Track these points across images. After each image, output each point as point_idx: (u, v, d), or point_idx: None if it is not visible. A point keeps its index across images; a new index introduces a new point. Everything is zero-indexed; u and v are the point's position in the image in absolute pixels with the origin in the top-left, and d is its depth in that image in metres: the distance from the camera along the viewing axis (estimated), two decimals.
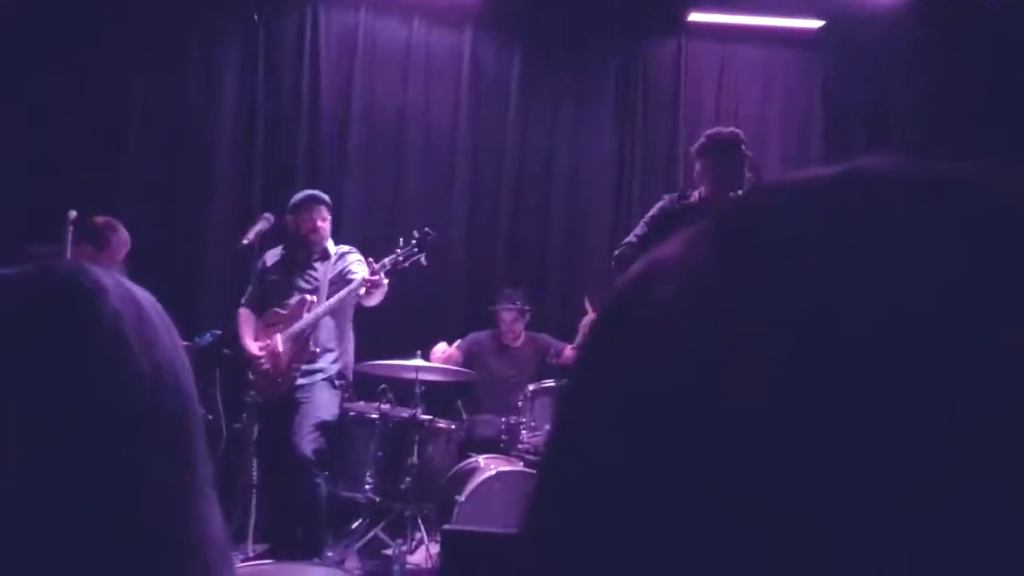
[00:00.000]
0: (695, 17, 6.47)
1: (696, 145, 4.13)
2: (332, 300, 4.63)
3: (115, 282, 0.78)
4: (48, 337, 0.74)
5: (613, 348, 0.37)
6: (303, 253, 4.84)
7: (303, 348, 4.67)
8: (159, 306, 0.82)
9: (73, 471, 0.71)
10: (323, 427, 4.62)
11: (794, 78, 6.79)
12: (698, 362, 0.32)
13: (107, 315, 0.75)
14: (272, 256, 4.90)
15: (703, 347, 0.33)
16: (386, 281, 4.56)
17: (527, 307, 5.53)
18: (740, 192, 3.95)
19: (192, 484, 0.78)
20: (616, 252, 4.25)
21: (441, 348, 5.31)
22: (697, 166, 4.09)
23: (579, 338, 5.16)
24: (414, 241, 4.57)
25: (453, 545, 2.95)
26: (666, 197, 4.29)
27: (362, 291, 4.54)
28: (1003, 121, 6.57)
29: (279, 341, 4.65)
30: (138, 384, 0.75)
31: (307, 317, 4.65)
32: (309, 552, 4.37)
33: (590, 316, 5.06)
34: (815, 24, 6.51)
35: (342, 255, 4.86)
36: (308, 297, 4.69)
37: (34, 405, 0.72)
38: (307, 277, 4.80)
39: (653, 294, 0.38)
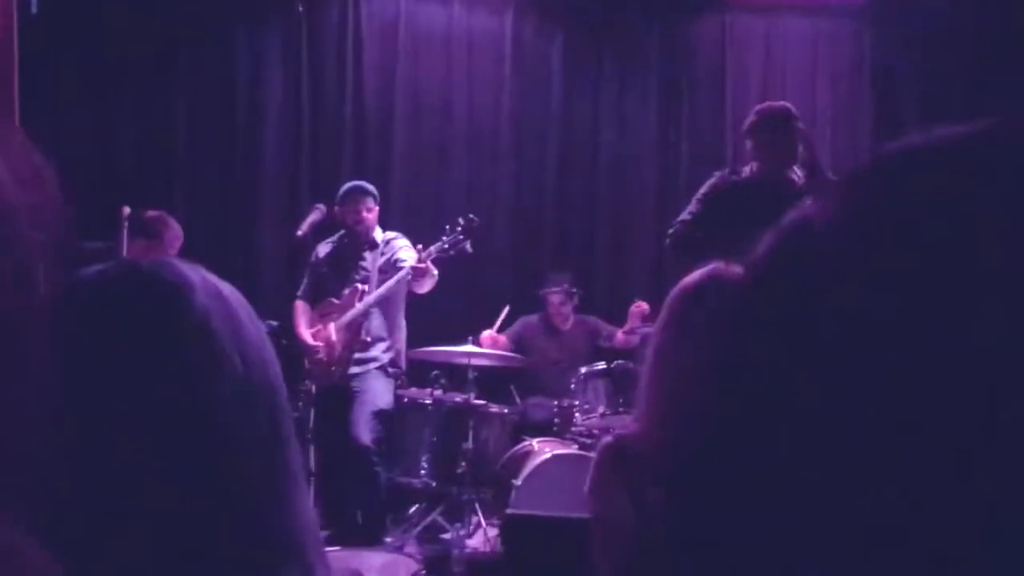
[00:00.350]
0: None
1: (747, 122, 4.09)
2: (382, 288, 4.66)
3: (200, 277, 0.78)
4: (139, 337, 0.74)
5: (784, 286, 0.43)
6: (352, 243, 4.88)
7: (356, 337, 4.72)
8: (243, 298, 0.82)
9: (176, 473, 0.72)
10: (380, 415, 4.67)
11: (841, 50, 6.67)
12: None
13: (196, 312, 0.75)
14: (324, 247, 4.96)
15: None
16: (434, 269, 4.58)
17: (575, 290, 5.52)
18: (794, 167, 3.90)
19: (287, 475, 0.78)
20: (671, 231, 4.22)
21: (486, 334, 5.33)
22: (749, 143, 4.05)
23: (630, 323, 5.14)
24: (459, 228, 4.58)
25: (515, 529, 2.96)
26: (717, 174, 4.25)
27: (409, 278, 4.57)
28: None
29: (332, 331, 4.70)
30: (230, 380, 0.75)
31: (359, 306, 4.70)
32: (371, 538, 4.43)
33: (641, 306, 5.03)
34: None
35: (388, 242, 4.90)
36: (360, 286, 4.74)
37: (131, 408, 0.72)
38: (358, 267, 4.85)
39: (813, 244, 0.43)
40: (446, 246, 4.57)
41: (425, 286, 4.69)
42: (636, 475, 1.82)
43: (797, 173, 3.89)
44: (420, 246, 4.62)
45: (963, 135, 0.43)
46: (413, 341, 5.00)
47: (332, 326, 4.72)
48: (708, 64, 6.58)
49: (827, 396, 0.38)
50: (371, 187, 4.91)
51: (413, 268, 4.53)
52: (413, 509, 5.00)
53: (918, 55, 6.57)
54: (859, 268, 0.39)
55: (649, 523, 1.77)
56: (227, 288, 0.81)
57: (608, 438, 1.92)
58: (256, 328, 0.80)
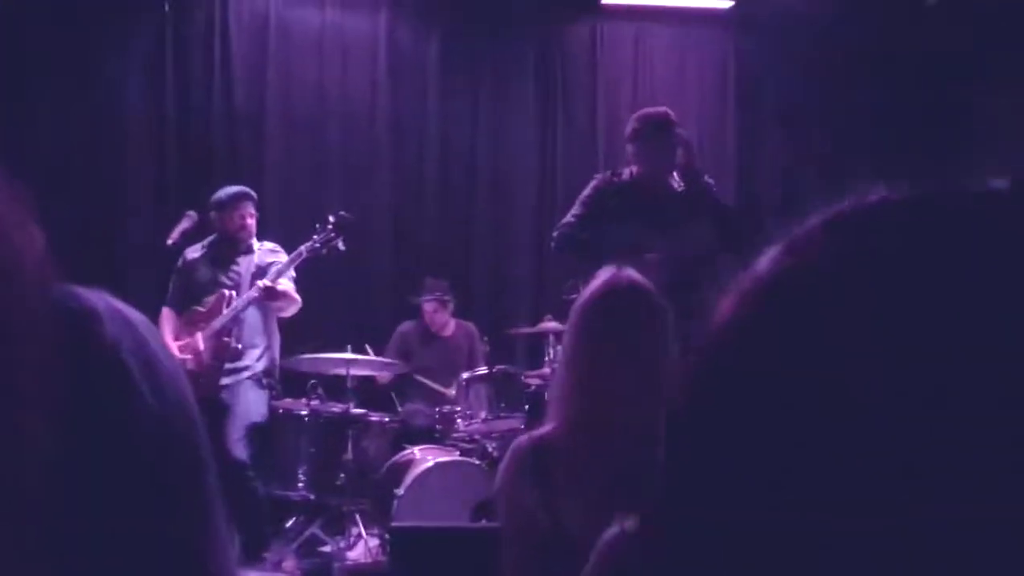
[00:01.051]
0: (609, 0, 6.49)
1: (629, 128, 4.15)
2: (240, 302, 4.51)
3: (106, 304, 0.72)
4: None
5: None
6: (226, 249, 4.71)
7: (225, 345, 4.55)
8: (151, 324, 0.76)
9: (92, 507, 0.66)
10: (254, 428, 4.52)
11: (708, 56, 6.89)
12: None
13: (104, 344, 0.69)
14: (193, 252, 4.74)
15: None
16: (295, 295, 4.52)
17: (447, 297, 5.46)
18: (673, 172, 3.98)
19: (208, 502, 0.74)
20: (555, 233, 4.25)
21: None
22: (629, 147, 4.11)
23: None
24: (330, 226, 4.50)
25: (401, 542, 2.91)
26: (599, 176, 4.31)
27: (262, 297, 4.47)
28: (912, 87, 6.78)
29: (200, 339, 4.52)
30: (144, 412, 0.69)
31: (226, 312, 4.53)
32: (253, 555, 4.29)
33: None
34: (727, 3, 6.59)
35: (269, 251, 4.74)
36: (227, 292, 4.57)
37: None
38: (230, 273, 4.68)
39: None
40: (318, 244, 4.48)
41: (285, 310, 4.59)
42: (550, 477, 1.83)
43: (675, 178, 3.98)
44: (303, 248, 4.51)
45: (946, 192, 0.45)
46: (290, 350, 4.86)
47: (199, 335, 4.54)
48: (581, 68, 6.68)
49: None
50: (253, 192, 4.76)
51: (260, 289, 4.41)
52: (291, 522, 4.87)
53: (780, 63, 6.84)
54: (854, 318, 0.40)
55: (561, 526, 1.78)
56: (136, 315, 0.75)
57: (522, 439, 1.94)
58: (166, 354, 0.75)
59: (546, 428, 1.92)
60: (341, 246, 4.52)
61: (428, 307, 5.43)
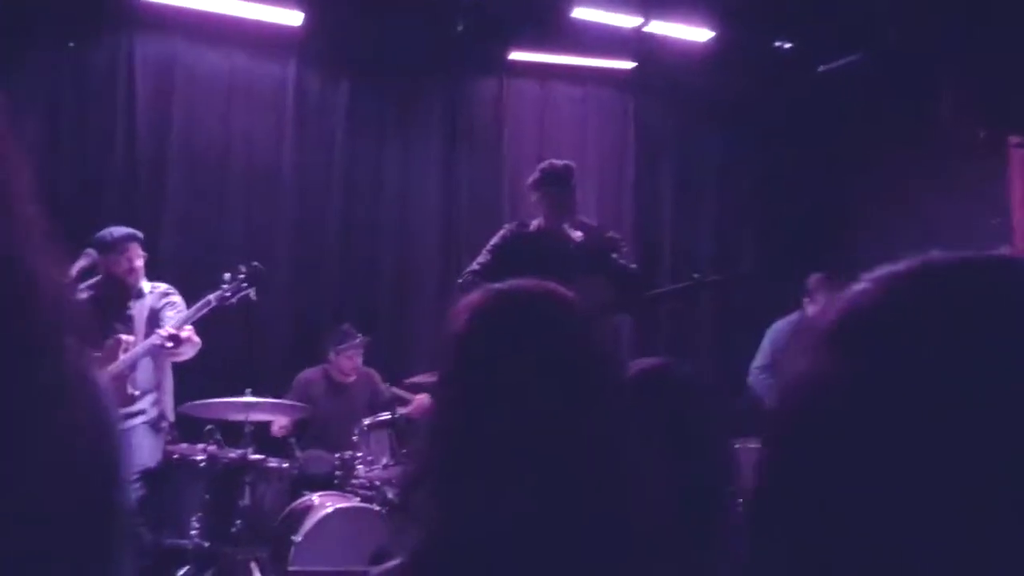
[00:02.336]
0: (516, 56, 6.67)
1: (531, 178, 4.28)
2: (140, 348, 4.41)
3: None
4: None
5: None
6: (116, 292, 4.58)
7: (121, 391, 4.43)
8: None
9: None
10: (145, 474, 4.40)
11: (609, 114, 7.13)
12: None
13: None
14: (81, 295, 4.60)
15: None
16: (195, 338, 4.43)
17: (361, 338, 5.46)
18: (569, 221, 4.11)
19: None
20: (460, 280, 4.32)
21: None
22: (533, 197, 4.24)
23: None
24: (242, 276, 4.45)
25: None
26: (507, 226, 4.43)
27: (169, 345, 4.35)
28: (802, 154, 7.13)
29: None
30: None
31: (124, 358, 4.42)
32: None
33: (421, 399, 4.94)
34: (628, 65, 6.85)
35: (161, 295, 4.66)
36: (124, 337, 4.46)
37: None
38: (122, 317, 4.58)
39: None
40: (228, 294, 4.41)
41: (185, 354, 4.50)
42: None
43: (574, 231, 4.10)
44: (211, 296, 4.40)
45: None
46: (187, 394, 4.76)
47: None
48: (487, 121, 6.82)
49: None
50: (140, 233, 4.67)
51: (170, 336, 4.30)
52: (183, 571, 4.72)
53: (677, 124, 7.14)
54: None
55: None
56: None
57: None
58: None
59: None
60: (253, 296, 4.46)
61: (347, 355, 5.38)
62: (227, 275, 4.45)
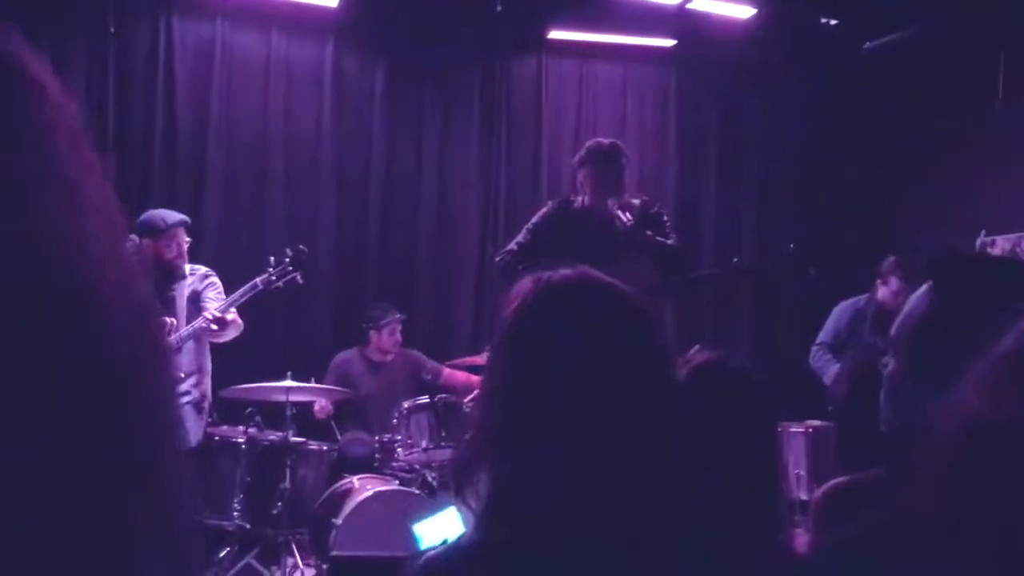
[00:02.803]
0: (555, 35, 6.60)
1: (578, 155, 4.22)
2: (186, 331, 4.44)
3: None
4: None
5: None
6: (162, 276, 4.60)
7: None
8: None
9: None
10: (189, 455, 4.44)
11: (650, 93, 7.03)
12: None
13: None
14: None
15: None
16: (239, 320, 4.45)
17: (400, 315, 5.47)
18: (615, 200, 4.05)
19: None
20: (497, 259, 4.28)
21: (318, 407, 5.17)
22: (579, 175, 4.18)
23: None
24: (287, 260, 4.45)
25: (340, 572, 2.89)
26: (550, 203, 4.37)
27: (214, 327, 4.38)
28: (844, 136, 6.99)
29: None
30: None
31: (170, 339, 4.46)
32: None
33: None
34: (668, 43, 6.75)
35: (202, 277, 4.68)
36: (168, 320, 4.49)
37: None
38: (165, 299, 4.60)
39: None
40: (274, 278, 4.42)
41: (227, 336, 4.52)
42: None
43: (624, 214, 4.01)
44: (258, 280, 4.41)
45: None
46: (229, 378, 4.79)
47: None
48: (525, 101, 6.76)
49: None
50: (188, 219, 4.69)
51: (216, 319, 4.33)
52: (224, 553, 4.78)
53: (716, 96, 7.03)
54: None
55: None
56: None
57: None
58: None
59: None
60: (299, 280, 4.48)
61: (388, 330, 5.39)
62: (272, 259, 4.46)
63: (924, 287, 1.33)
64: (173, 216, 4.56)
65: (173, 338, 4.46)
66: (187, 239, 4.61)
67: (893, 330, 1.42)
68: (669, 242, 4.13)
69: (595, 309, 1.19)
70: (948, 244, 5.80)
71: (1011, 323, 0.62)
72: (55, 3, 5.61)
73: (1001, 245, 6.35)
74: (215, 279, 4.66)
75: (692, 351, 1.66)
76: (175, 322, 4.47)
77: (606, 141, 4.28)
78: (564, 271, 1.24)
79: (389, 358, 5.47)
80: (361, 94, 6.41)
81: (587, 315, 1.18)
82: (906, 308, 1.39)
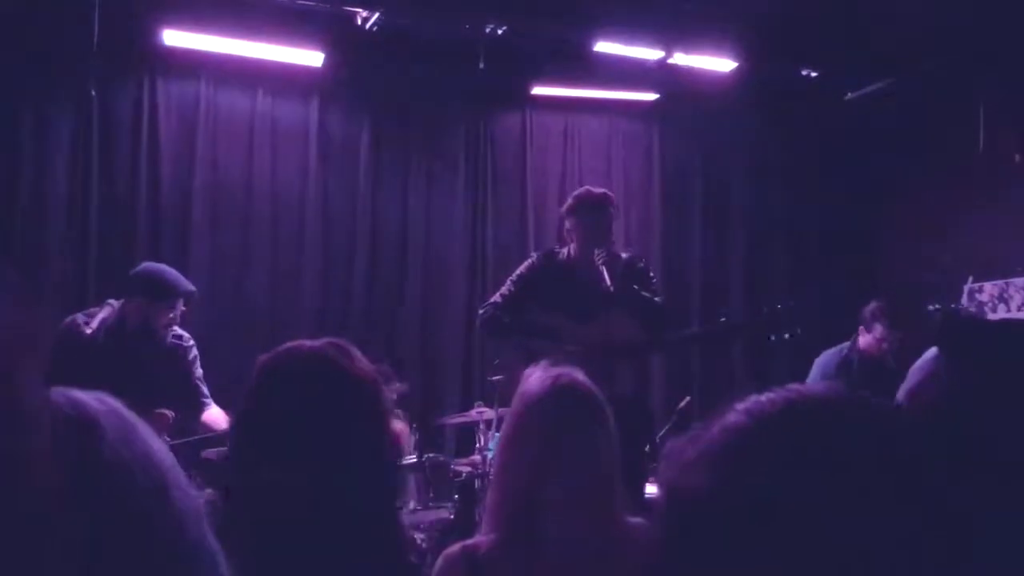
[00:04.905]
0: (538, 91, 6.64)
1: (567, 203, 4.18)
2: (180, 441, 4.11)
3: (105, 410, 0.71)
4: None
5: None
6: (143, 340, 4.26)
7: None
8: (146, 424, 0.75)
9: None
10: None
11: (634, 146, 7.07)
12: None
13: (108, 463, 0.68)
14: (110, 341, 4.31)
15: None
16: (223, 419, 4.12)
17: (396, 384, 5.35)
18: (606, 250, 4.00)
19: None
20: (481, 311, 4.22)
21: None
22: (567, 223, 4.14)
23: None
24: None
25: None
26: (535, 255, 4.32)
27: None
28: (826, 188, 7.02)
29: None
30: (152, 530, 0.70)
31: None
32: None
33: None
34: (651, 96, 6.80)
35: (177, 338, 4.34)
36: (167, 413, 4.17)
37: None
38: (137, 360, 4.30)
39: None
40: None
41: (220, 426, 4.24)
42: None
43: (608, 261, 3.97)
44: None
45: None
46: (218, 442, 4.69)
47: None
48: (510, 156, 6.79)
49: None
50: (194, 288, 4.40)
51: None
52: None
53: (700, 148, 7.08)
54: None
55: None
56: (131, 416, 0.74)
57: (454, 548, 1.81)
58: (162, 451, 0.74)
59: (480, 538, 1.82)
60: None
61: None
62: None
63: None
64: (181, 284, 4.19)
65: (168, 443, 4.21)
66: (183, 307, 4.33)
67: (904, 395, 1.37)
68: (656, 299, 4.08)
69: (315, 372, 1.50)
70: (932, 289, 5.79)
71: None
72: (40, 64, 5.62)
73: (989, 291, 6.36)
74: (191, 343, 4.39)
75: (683, 403, 1.72)
76: (173, 415, 4.16)
77: (596, 190, 4.25)
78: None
79: None
80: (346, 151, 6.42)
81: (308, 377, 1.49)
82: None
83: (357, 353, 1.54)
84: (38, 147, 5.73)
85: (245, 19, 5.59)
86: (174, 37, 5.73)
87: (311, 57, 5.97)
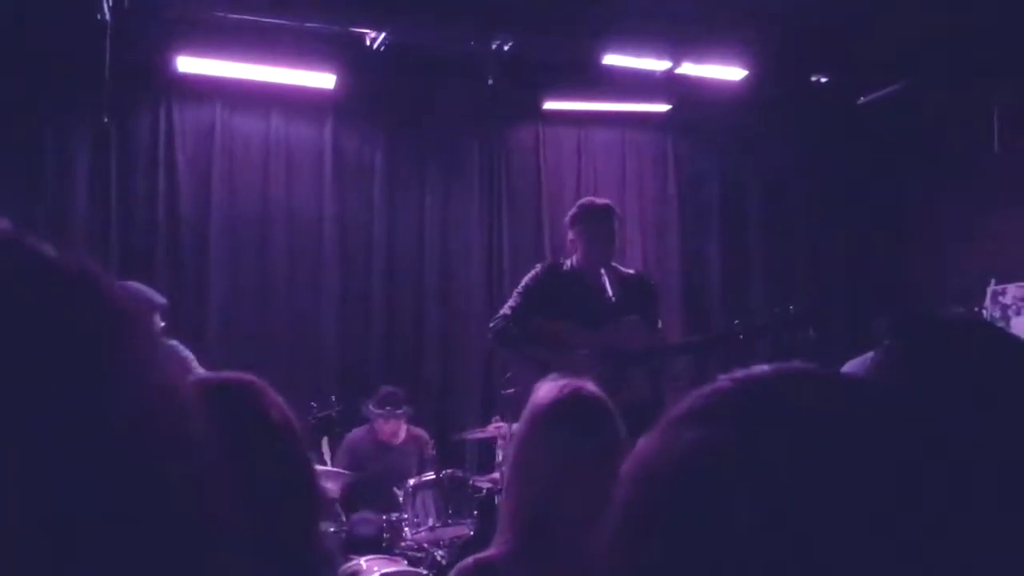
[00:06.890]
0: (550, 105, 6.66)
1: (571, 213, 4.17)
2: None
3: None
4: None
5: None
6: None
7: None
8: None
9: None
10: None
11: (648, 157, 7.07)
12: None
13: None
14: None
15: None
16: None
17: (400, 411, 5.35)
18: (610, 260, 4.00)
19: None
20: (491, 324, 4.20)
21: None
22: (570, 234, 4.12)
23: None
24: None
25: None
26: (539, 266, 4.31)
27: None
28: (839, 195, 6.99)
29: None
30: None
31: None
32: None
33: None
34: (664, 107, 6.80)
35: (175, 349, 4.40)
36: None
37: None
38: None
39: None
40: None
41: None
42: None
43: (614, 278, 3.96)
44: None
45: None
46: None
47: None
48: (525, 171, 6.81)
49: None
50: (162, 299, 4.41)
51: None
52: None
53: (715, 157, 7.06)
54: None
55: None
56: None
57: (467, 561, 1.82)
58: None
59: (492, 551, 1.82)
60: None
61: (381, 420, 5.33)
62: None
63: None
64: (155, 297, 4.29)
65: None
66: (161, 323, 4.33)
67: None
68: (659, 324, 4.09)
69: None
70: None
71: None
72: (57, 93, 5.72)
73: (1012, 293, 6.29)
74: (188, 353, 4.42)
75: None
76: None
77: (599, 200, 4.25)
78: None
79: (399, 440, 5.39)
80: (361, 171, 6.47)
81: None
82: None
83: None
84: (59, 176, 5.83)
85: (256, 44, 5.67)
86: (188, 63, 5.82)
87: (323, 79, 6.04)
